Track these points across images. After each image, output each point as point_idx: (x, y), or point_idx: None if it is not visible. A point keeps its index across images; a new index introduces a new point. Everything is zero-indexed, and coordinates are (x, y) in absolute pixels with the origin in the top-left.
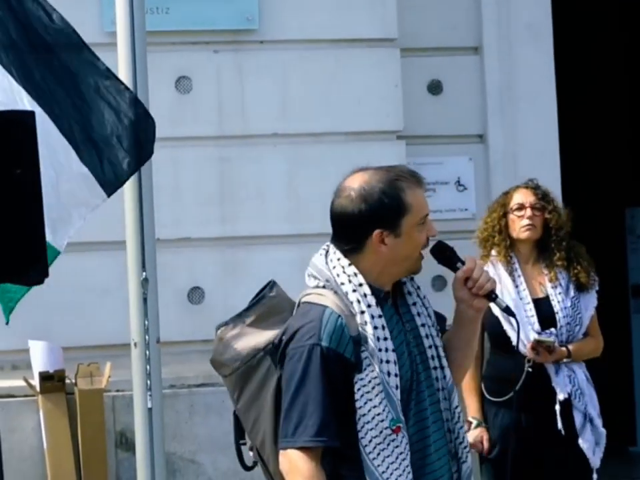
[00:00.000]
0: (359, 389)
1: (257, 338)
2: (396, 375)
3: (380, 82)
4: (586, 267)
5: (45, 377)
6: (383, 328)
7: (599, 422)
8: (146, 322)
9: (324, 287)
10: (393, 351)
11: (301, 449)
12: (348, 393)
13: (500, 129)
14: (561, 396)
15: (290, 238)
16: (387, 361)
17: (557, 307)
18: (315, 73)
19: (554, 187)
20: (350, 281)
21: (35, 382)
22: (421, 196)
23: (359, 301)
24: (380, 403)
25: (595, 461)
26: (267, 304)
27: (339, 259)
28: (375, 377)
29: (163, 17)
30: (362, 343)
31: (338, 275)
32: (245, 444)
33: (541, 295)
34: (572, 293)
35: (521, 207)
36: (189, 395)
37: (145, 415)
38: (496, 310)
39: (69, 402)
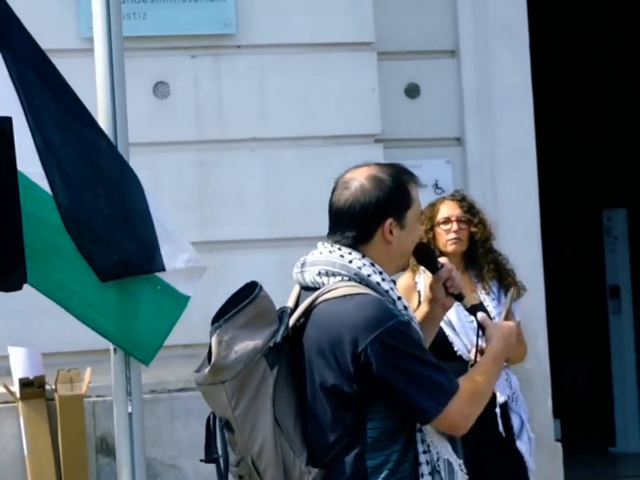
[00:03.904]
0: None
1: (252, 339)
2: None
3: (357, 86)
4: (514, 278)
5: (24, 383)
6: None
7: (529, 427)
8: None
9: (349, 280)
10: None
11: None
12: None
13: (477, 132)
14: (501, 399)
15: (269, 242)
16: None
17: (493, 312)
18: (292, 77)
19: (531, 190)
20: (374, 272)
21: (15, 388)
22: (418, 194)
23: (392, 289)
24: None
25: (532, 464)
26: (259, 304)
27: (350, 253)
28: None
29: (140, 22)
30: None
31: (360, 268)
32: (217, 458)
33: (474, 302)
34: (502, 299)
35: (447, 220)
36: (170, 400)
37: (126, 420)
38: None
39: (49, 408)
